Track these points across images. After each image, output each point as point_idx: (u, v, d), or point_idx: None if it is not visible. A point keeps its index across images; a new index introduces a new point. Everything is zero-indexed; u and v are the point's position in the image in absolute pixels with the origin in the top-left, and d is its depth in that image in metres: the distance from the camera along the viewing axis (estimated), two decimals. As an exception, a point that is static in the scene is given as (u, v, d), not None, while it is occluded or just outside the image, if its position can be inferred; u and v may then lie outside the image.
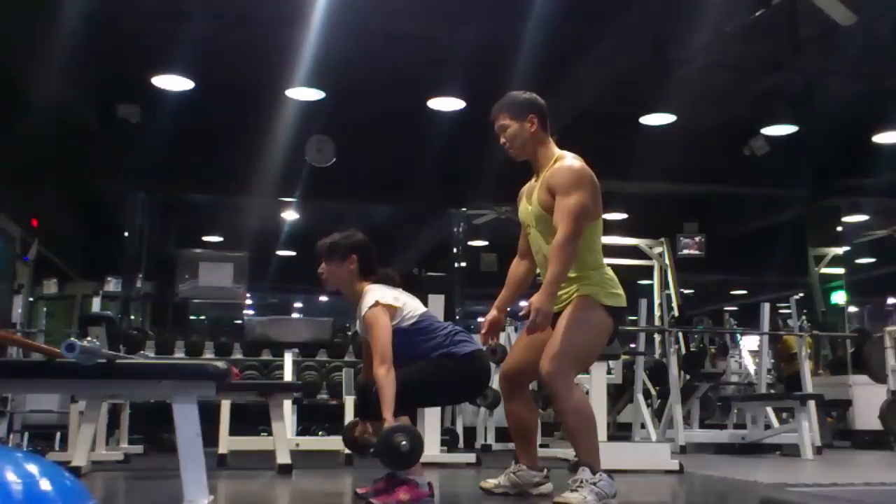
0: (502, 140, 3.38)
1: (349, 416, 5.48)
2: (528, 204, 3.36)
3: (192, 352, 7.23)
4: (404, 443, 2.95)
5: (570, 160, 3.25)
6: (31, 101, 7.12)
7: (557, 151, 3.33)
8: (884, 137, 8.53)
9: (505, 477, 3.54)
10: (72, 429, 5.27)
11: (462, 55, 6.97)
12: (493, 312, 3.50)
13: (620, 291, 3.30)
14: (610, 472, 3.17)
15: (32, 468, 1.29)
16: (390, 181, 8.94)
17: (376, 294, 3.29)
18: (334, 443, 5.68)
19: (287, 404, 5.29)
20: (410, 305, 3.37)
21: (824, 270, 10.64)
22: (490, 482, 3.58)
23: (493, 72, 6.27)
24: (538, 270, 3.44)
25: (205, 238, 12.28)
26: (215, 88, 7.64)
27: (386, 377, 3.07)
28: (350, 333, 8.14)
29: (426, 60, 7.23)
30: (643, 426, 6.89)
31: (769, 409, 7.14)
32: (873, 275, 10.89)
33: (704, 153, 8.86)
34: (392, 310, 3.28)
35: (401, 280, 3.53)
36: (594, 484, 3.06)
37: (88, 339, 2.34)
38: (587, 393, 5.01)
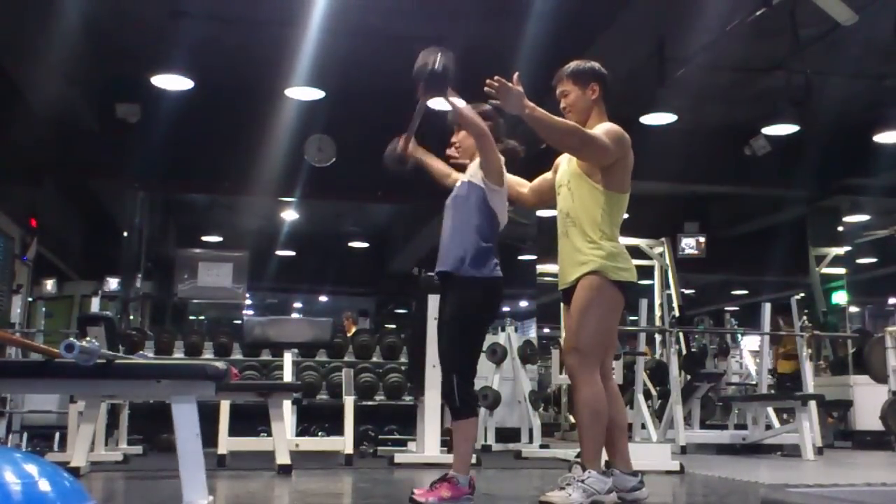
0: (563, 105, 3.42)
1: (349, 416, 5.47)
2: (567, 165, 3.41)
3: (191, 352, 7.22)
4: (437, 58, 3.05)
5: (616, 126, 3.31)
6: (30, 100, 7.12)
7: (607, 121, 3.36)
8: (885, 137, 8.53)
9: None
10: (71, 429, 5.25)
11: (462, 55, 6.94)
12: None
13: (629, 266, 3.30)
14: (608, 471, 3.15)
15: (31, 469, 1.29)
16: (390, 181, 8.91)
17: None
18: (334, 443, 5.67)
19: (287, 405, 5.26)
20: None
21: (825, 270, 10.62)
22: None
23: (493, 72, 6.24)
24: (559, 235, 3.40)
25: (204, 238, 12.27)
26: (215, 88, 7.63)
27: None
28: (349, 334, 8.13)
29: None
30: (644, 426, 6.88)
31: (770, 410, 7.13)
32: (874, 275, 10.89)
33: (705, 153, 8.86)
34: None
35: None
36: (582, 481, 3.05)
37: (87, 339, 2.32)
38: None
